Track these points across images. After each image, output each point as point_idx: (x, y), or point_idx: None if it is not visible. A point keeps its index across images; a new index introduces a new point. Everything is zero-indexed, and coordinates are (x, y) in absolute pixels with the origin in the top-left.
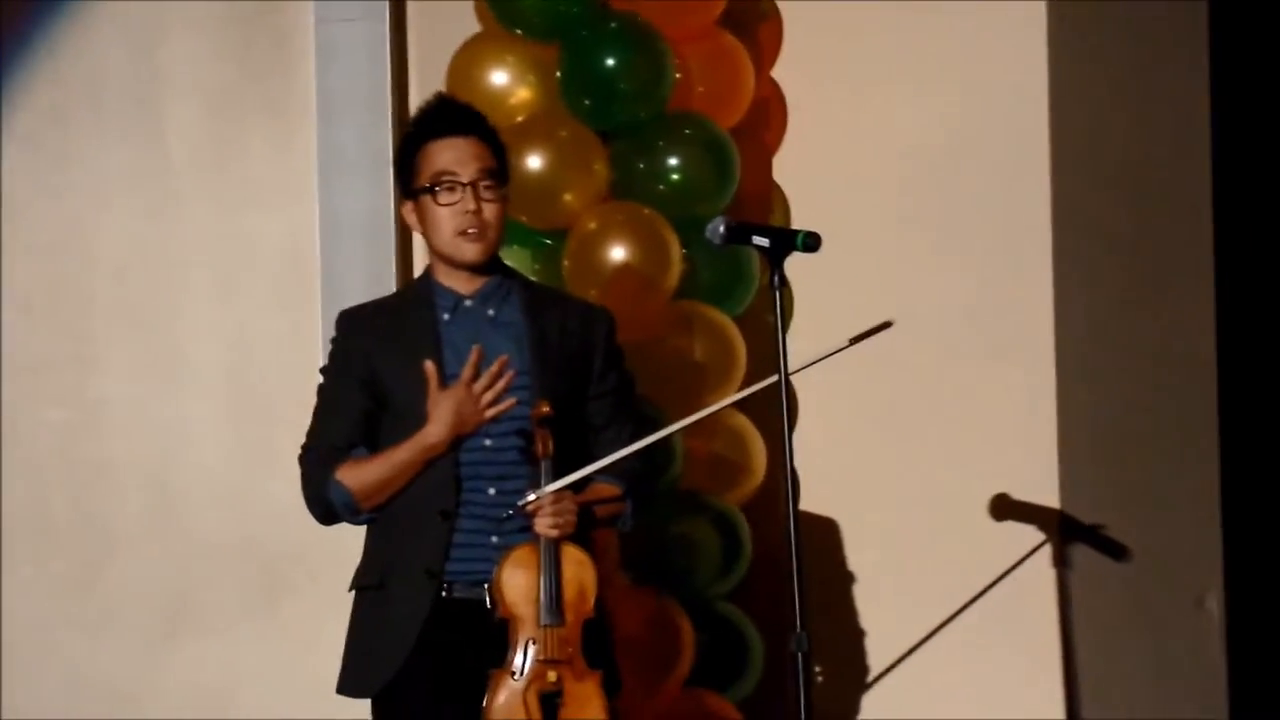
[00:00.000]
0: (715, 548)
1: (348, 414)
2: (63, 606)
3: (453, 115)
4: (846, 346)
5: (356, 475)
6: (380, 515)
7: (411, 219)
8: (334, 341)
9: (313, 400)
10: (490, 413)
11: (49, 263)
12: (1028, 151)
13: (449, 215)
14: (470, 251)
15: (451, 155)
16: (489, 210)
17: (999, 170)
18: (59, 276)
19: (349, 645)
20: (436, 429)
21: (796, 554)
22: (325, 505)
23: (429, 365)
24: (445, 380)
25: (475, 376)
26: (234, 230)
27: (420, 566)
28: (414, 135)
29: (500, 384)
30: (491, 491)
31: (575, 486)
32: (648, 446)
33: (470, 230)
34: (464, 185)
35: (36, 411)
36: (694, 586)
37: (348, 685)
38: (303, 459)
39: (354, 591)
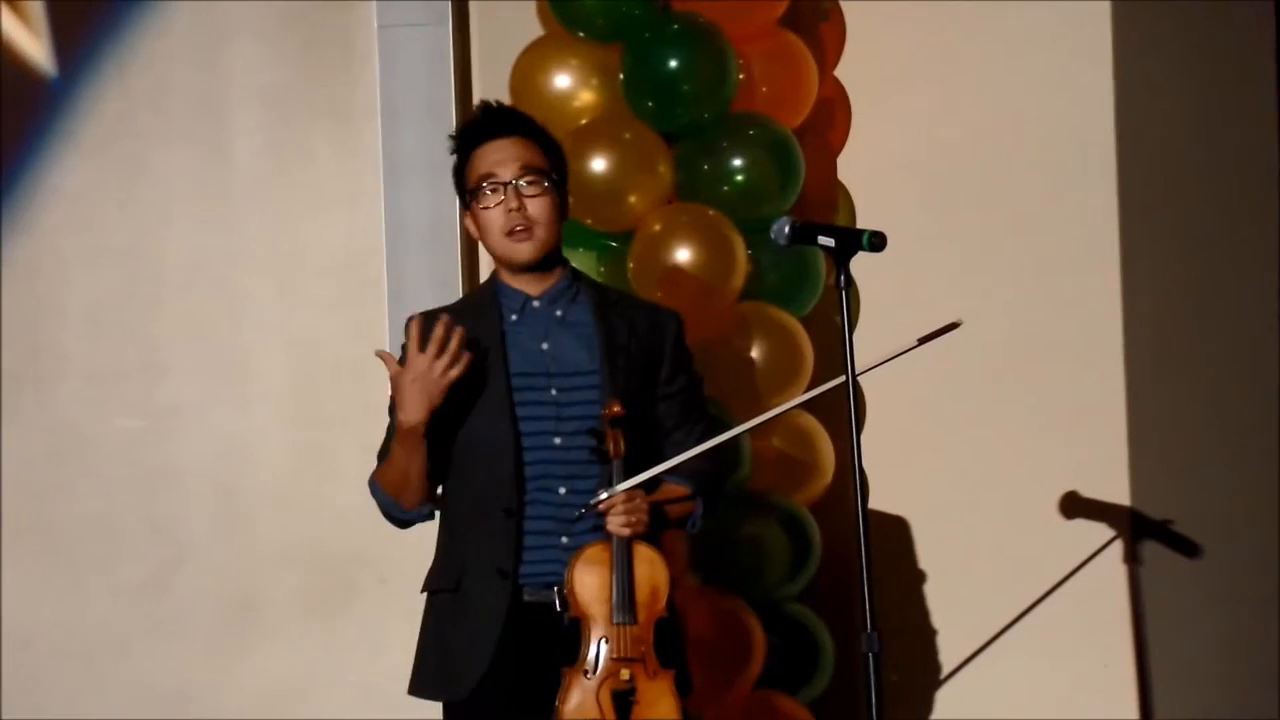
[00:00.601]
0: (784, 548)
1: None
2: (132, 612)
3: (492, 119)
4: (915, 347)
5: (381, 474)
6: (444, 514)
7: (471, 228)
8: (404, 347)
9: (377, 405)
10: (453, 374)
11: (116, 272)
12: (1094, 147)
13: (495, 217)
14: (521, 251)
15: (492, 158)
16: (534, 206)
17: (1065, 167)
18: (126, 285)
19: (423, 647)
20: (403, 412)
21: (866, 554)
22: (380, 508)
23: (382, 353)
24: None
25: (439, 350)
26: (299, 236)
27: (492, 566)
28: (460, 146)
29: (452, 344)
30: (562, 491)
31: (647, 488)
32: (716, 447)
33: (517, 229)
34: (505, 185)
35: (106, 420)
36: (763, 587)
37: (424, 687)
38: (379, 461)
39: (427, 593)
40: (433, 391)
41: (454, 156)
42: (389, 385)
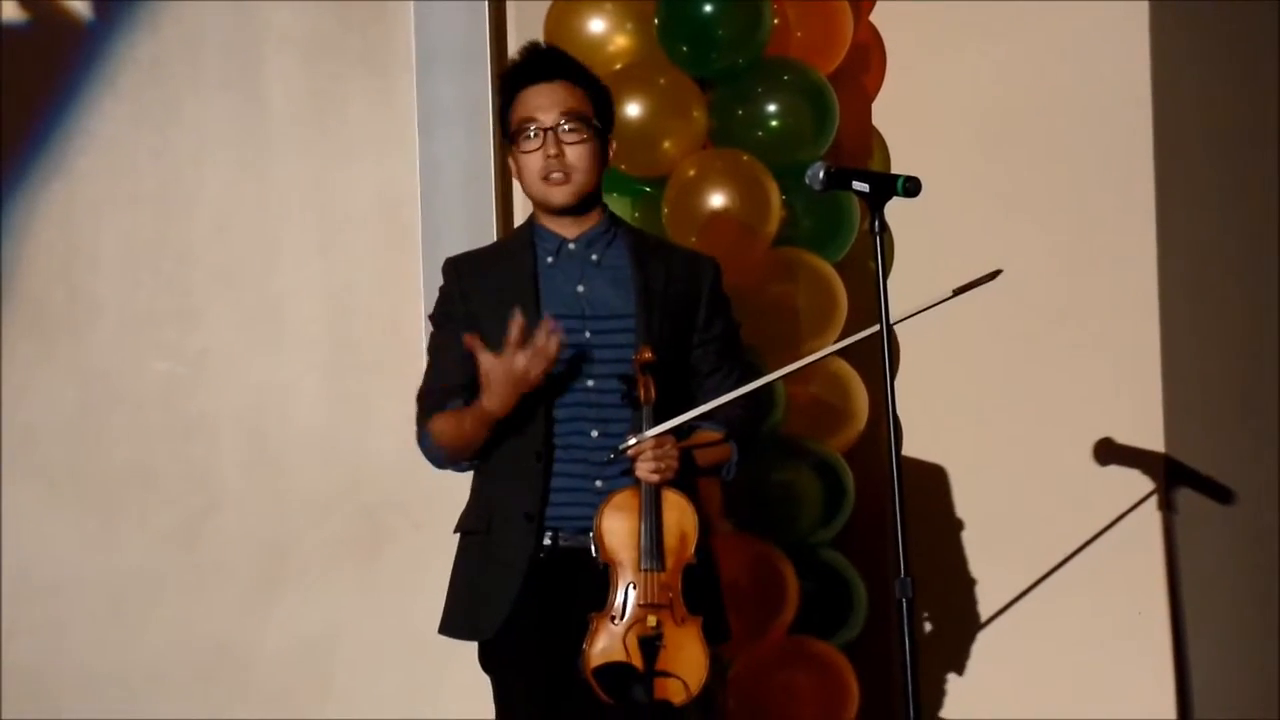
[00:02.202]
0: (818, 494)
1: (452, 359)
2: (166, 559)
3: (539, 61)
4: (951, 297)
5: (440, 430)
6: (482, 461)
7: (513, 167)
8: (439, 289)
9: (412, 351)
10: (539, 375)
11: (151, 218)
12: (1131, 97)
13: (533, 160)
14: (556, 195)
15: (535, 101)
16: (573, 153)
17: (1103, 116)
18: (160, 231)
19: (454, 587)
20: (489, 400)
21: (899, 500)
22: (425, 454)
23: (516, 318)
24: (538, 319)
25: (522, 340)
26: (333, 182)
27: (520, 510)
28: (506, 85)
29: (553, 348)
30: (594, 434)
31: (680, 434)
32: (751, 393)
33: (554, 175)
34: (546, 130)
35: (140, 365)
36: (797, 533)
37: (453, 627)
38: (418, 404)
39: (459, 535)
40: (523, 388)
41: (499, 93)
42: (426, 328)
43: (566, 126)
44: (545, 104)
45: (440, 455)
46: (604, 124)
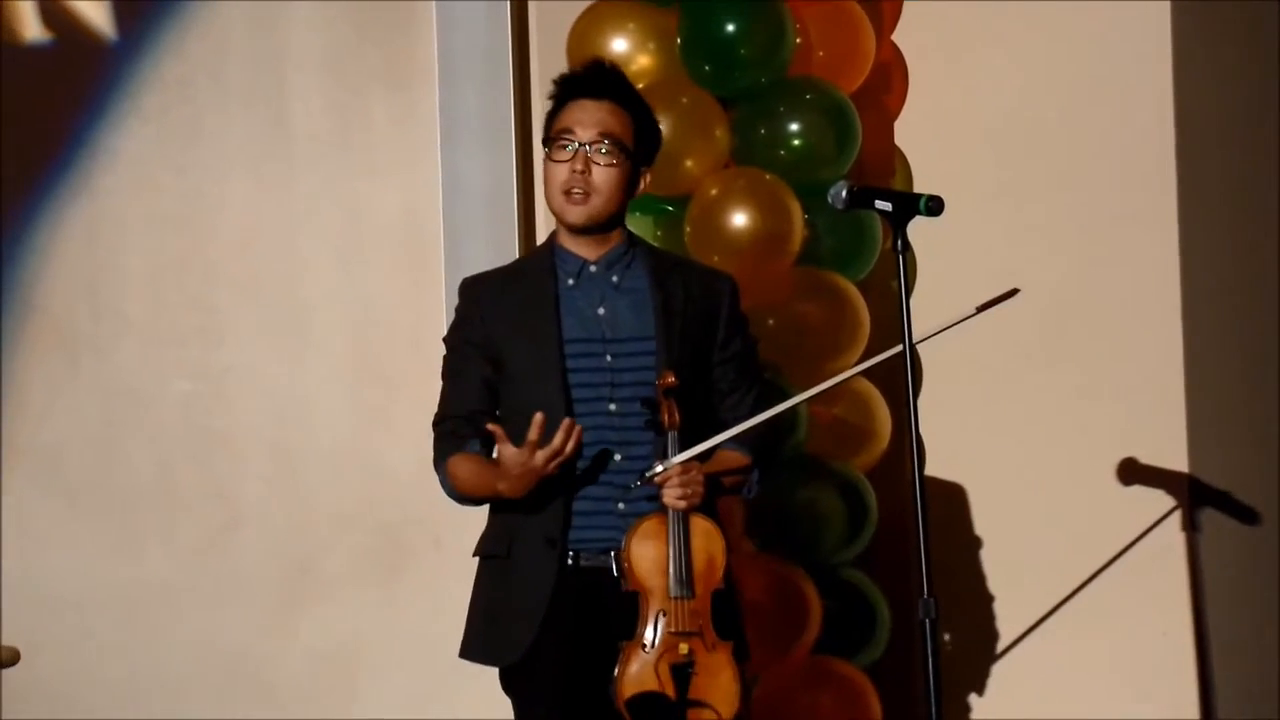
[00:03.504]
0: (841, 514)
1: (468, 383)
2: (189, 575)
3: (594, 77)
4: (973, 315)
5: (457, 473)
6: None
7: (544, 174)
8: (456, 310)
9: (434, 367)
10: (556, 470)
11: (174, 236)
12: (1151, 113)
13: (559, 171)
14: (571, 212)
15: (578, 115)
16: (599, 174)
17: (1123, 133)
18: (184, 248)
19: (475, 612)
20: (504, 486)
21: (922, 520)
22: (441, 485)
23: (537, 418)
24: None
25: (540, 436)
26: (356, 198)
27: (541, 535)
28: (558, 92)
29: (570, 449)
30: (617, 457)
31: (701, 455)
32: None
33: (575, 191)
34: (579, 144)
35: (163, 382)
36: (820, 553)
37: (474, 651)
38: (434, 429)
39: (479, 558)
40: (533, 479)
41: (551, 100)
42: (443, 348)
43: (601, 147)
44: (587, 120)
45: (455, 496)
46: (642, 153)
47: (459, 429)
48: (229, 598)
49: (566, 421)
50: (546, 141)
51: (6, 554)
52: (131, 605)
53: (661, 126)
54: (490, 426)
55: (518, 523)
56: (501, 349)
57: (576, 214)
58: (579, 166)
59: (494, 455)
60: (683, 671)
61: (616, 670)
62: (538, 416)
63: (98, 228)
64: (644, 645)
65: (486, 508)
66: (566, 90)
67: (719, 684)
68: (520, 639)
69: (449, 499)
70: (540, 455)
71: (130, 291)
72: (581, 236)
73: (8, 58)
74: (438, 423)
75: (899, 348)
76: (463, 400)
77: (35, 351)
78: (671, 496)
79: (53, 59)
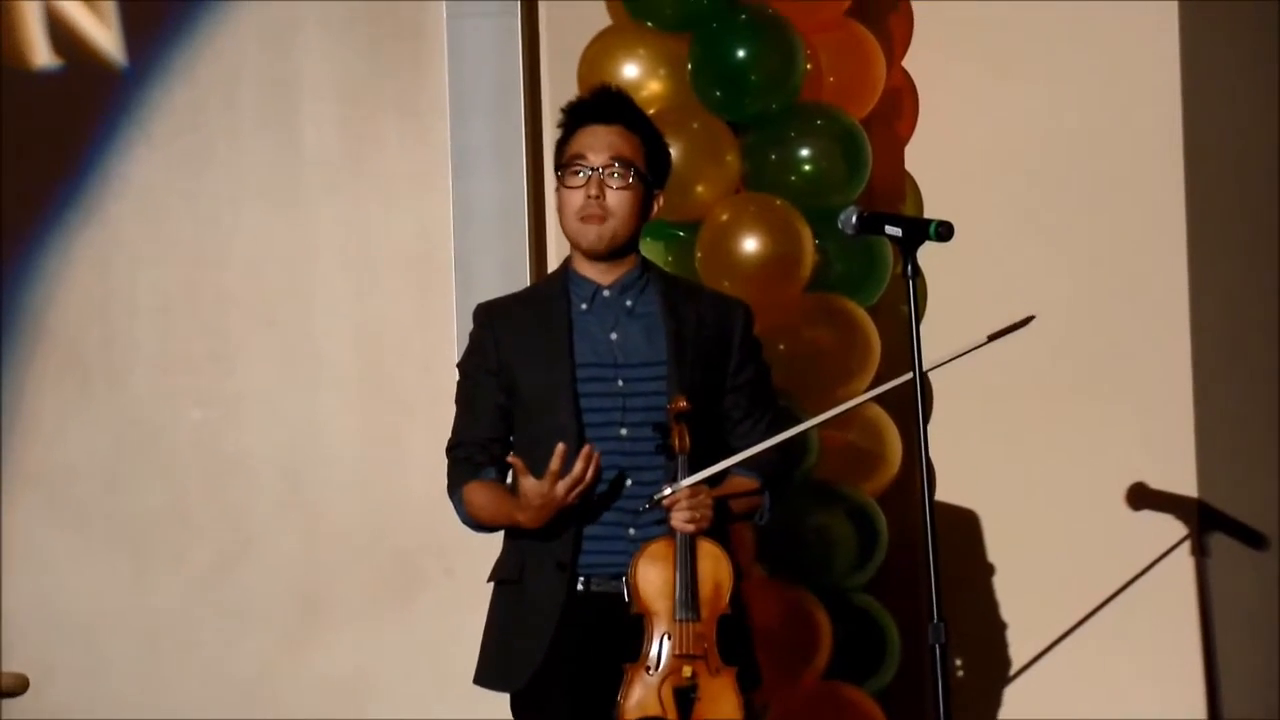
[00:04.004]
0: (851, 539)
1: (483, 410)
2: (201, 602)
3: (602, 102)
4: (986, 343)
5: (472, 501)
6: None
7: (557, 201)
8: (470, 336)
9: (446, 393)
10: (576, 499)
11: (185, 263)
12: (1161, 139)
13: (574, 198)
14: (588, 236)
15: (589, 140)
16: (614, 198)
17: (1133, 159)
18: (195, 276)
19: (489, 637)
20: (524, 516)
21: (932, 545)
22: (456, 513)
23: (559, 449)
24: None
25: (561, 466)
26: (368, 225)
27: (552, 559)
28: (567, 119)
29: (590, 476)
30: (628, 483)
31: (712, 480)
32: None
33: (589, 215)
34: (591, 170)
35: (175, 408)
36: (830, 578)
37: (487, 677)
38: (448, 455)
39: (493, 583)
40: (553, 510)
41: (561, 128)
42: (455, 374)
43: (613, 171)
44: (598, 145)
45: (470, 523)
46: (654, 175)
47: (473, 456)
48: (241, 625)
49: (586, 449)
50: (559, 169)
51: (17, 580)
52: (143, 632)
53: (673, 152)
54: (511, 459)
55: (529, 547)
56: (515, 374)
57: (592, 239)
58: (593, 191)
59: (508, 481)
60: (685, 696)
61: (620, 693)
62: (559, 447)
63: (108, 254)
64: (647, 667)
65: (501, 533)
66: (575, 117)
67: (721, 710)
68: (528, 663)
69: (463, 526)
70: (561, 486)
71: (141, 318)
72: (596, 262)
73: (18, 83)
74: (451, 449)
75: (909, 375)
76: (477, 427)
77: (46, 378)
78: (680, 519)
79: (63, 85)
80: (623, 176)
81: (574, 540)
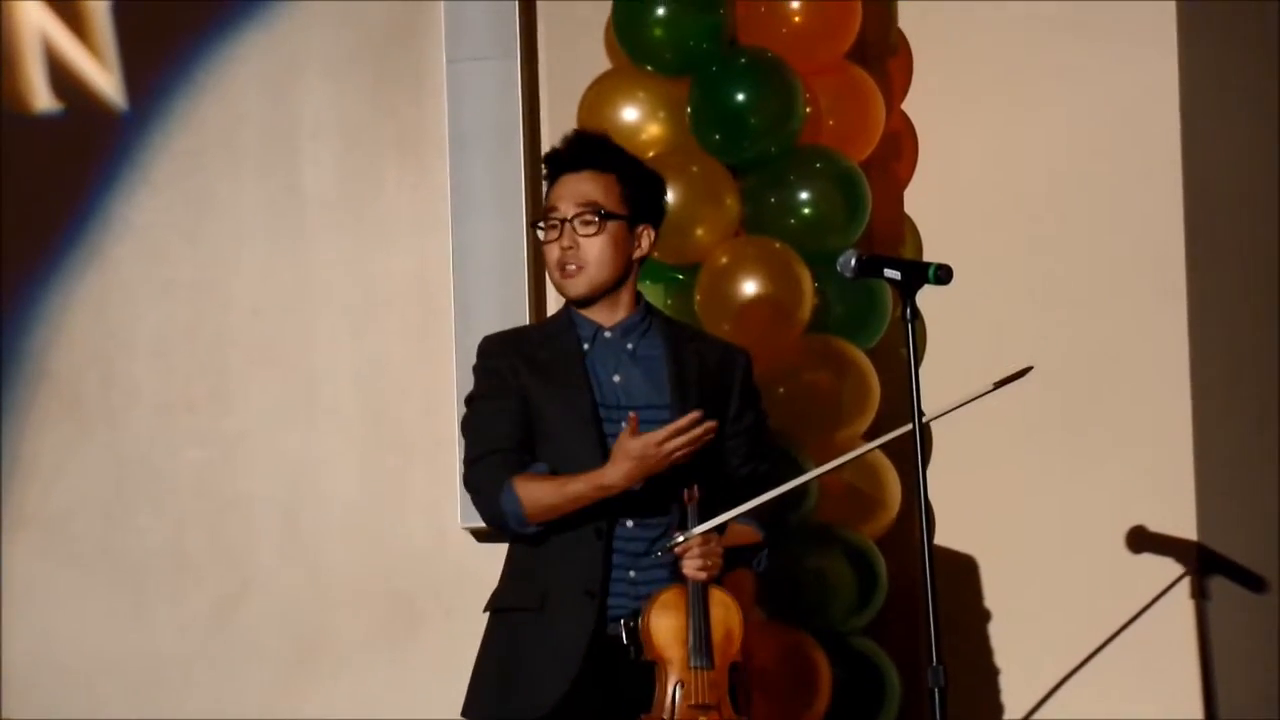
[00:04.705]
0: (850, 582)
1: (510, 420)
2: (199, 642)
3: (569, 151)
4: (989, 391)
5: (530, 491)
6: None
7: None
8: (482, 364)
9: (445, 434)
10: (683, 457)
11: (185, 303)
12: (1160, 182)
13: (551, 251)
14: (569, 287)
15: (559, 191)
16: (586, 246)
17: (1132, 202)
18: (195, 316)
19: (487, 669)
20: (614, 474)
21: (931, 587)
22: (496, 512)
23: (632, 416)
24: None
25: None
26: (368, 266)
27: (579, 587)
28: (547, 173)
29: (696, 431)
30: (629, 524)
31: (718, 527)
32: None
33: (568, 267)
34: (563, 221)
35: (175, 451)
36: (829, 621)
37: (484, 710)
38: (470, 472)
39: (491, 614)
40: (647, 469)
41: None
42: (459, 411)
43: (583, 218)
44: (566, 194)
45: (521, 514)
46: (634, 210)
47: (510, 458)
48: (240, 667)
49: (682, 420)
50: (535, 223)
51: (15, 622)
52: (142, 674)
53: (671, 195)
54: (631, 415)
55: (552, 575)
56: (536, 403)
57: (573, 286)
58: (566, 243)
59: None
60: None
61: None
62: (632, 415)
63: (108, 296)
64: (662, 718)
65: (499, 570)
66: (551, 168)
67: None
68: (549, 694)
69: (511, 529)
70: (670, 438)
71: (141, 359)
72: (590, 305)
73: (19, 127)
74: (480, 457)
75: (909, 426)
76: (510, 433)
77: (46, 419)
78: (692, 567)
79: (63, 129)
80: (589, 223)
81: (600, 567)
